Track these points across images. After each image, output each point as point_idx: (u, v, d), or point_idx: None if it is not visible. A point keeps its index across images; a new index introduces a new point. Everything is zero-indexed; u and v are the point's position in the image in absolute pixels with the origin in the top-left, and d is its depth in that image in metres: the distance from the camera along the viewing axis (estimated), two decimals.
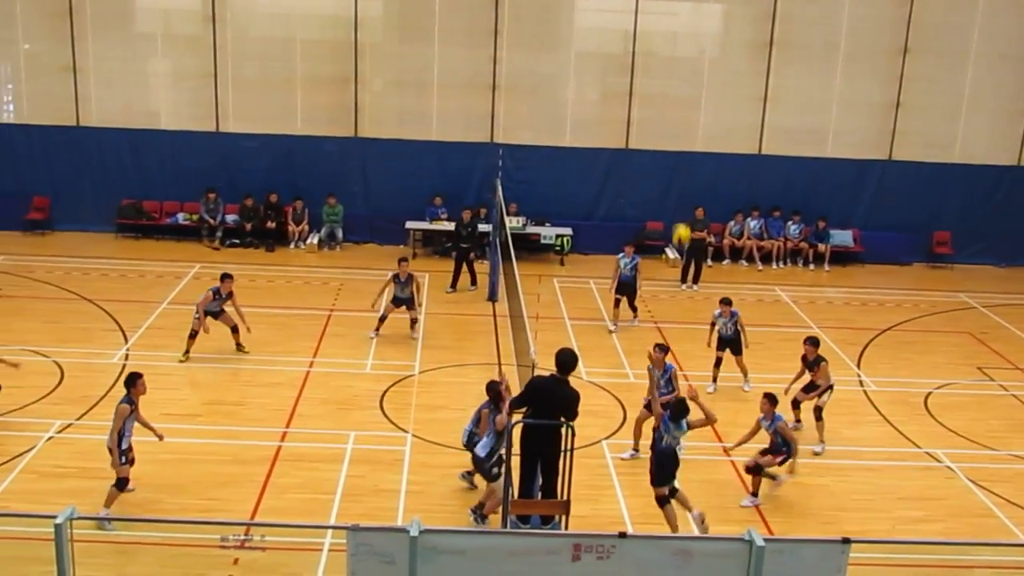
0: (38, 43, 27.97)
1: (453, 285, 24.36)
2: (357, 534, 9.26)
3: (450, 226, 26.85)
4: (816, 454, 16.55)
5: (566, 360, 12.86)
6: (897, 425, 17.72)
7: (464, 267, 24.54)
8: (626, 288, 22.10)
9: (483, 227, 25.78)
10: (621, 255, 22.00)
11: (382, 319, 20.82)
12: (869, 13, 28.21)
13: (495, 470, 13.73)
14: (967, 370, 20.92)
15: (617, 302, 22.17)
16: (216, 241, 27.59)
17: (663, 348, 16.47)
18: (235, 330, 19.55)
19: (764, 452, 15.06)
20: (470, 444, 14.23)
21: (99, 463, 14.10)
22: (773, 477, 15.01)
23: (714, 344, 19.19)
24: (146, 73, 28.84)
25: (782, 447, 14.94)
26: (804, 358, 17.25)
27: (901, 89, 28.39)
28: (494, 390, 14.02)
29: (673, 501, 13.68)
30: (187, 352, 19.24)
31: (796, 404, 17.29)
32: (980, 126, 29.08)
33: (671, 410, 13.90)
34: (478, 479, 14.50)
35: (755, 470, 14.94)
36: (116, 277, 24.32)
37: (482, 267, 25.47)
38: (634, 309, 22.43)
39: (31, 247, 26.70)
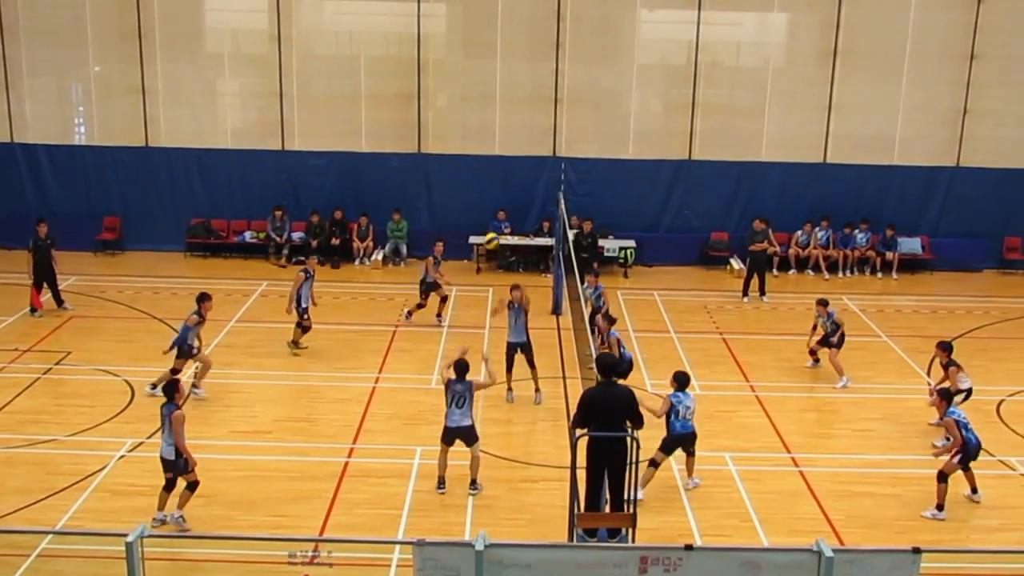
0: (108, 65, 28.52)
1: None
2: (423, 549, 9.32)
3: (514, 240, 27.31)
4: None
5: (609, 363, 13.00)
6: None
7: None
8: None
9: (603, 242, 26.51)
10: (585, 285, 20.77)
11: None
12: (935, 19, 27.86)
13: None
14: None
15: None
16: (283, 259, 27.87)
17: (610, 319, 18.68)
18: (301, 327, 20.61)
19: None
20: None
21: None
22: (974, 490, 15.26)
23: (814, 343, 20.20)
24: (214, 93, 29.31)
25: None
26: (940, 362, 17.63)
27: (968, 95, 27.99)
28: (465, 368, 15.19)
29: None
30: (295, 343, 20.73)
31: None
32: None
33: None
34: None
35: (941, 478, 14.96)
36: (186, 296, 24.54)
37: (547, 280, 25.53)
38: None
39: (103, 267, 27.22)
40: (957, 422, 14.94)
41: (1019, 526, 14.66)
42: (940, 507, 14.76)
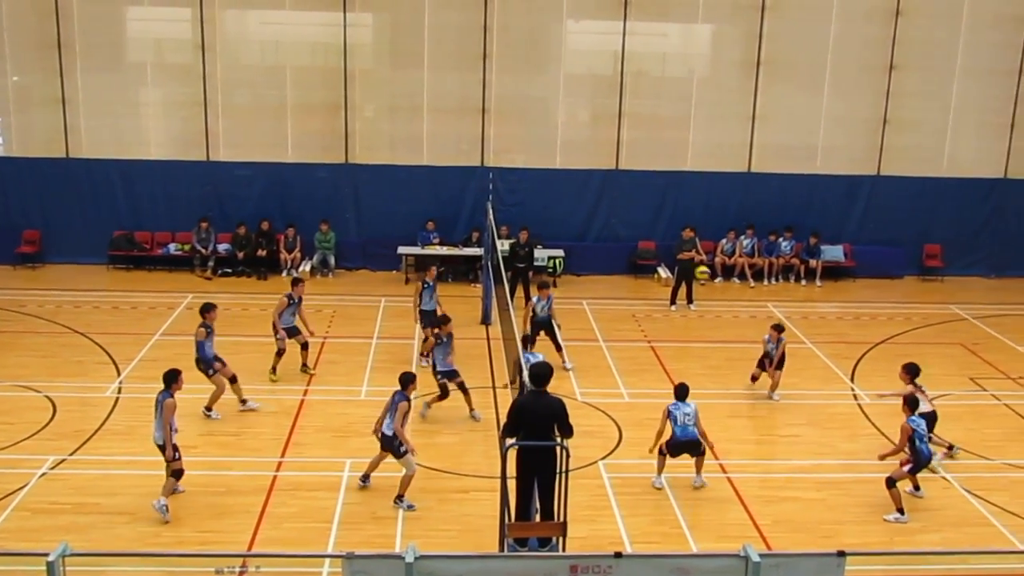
0: (27, 75, 27.99)
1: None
2: (353, 562, 9.25)
3: (443, 250, 27.21)
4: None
5: (540, 372, 12.98)
6: (892, 437, 17.61)
7: (519, 287, 24.40)
8: (545, 326, 20.94)
9: (538, 252, 26.52)
10: (536, 298, 21.11)
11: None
12: (855, 31, 28.34)
13: (403, 447, 14.94)
14: (960, 381, 20.98)
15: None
16: (208, 271, 27.58)
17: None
18: (304, 347, 20.23)
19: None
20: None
21: (95, 498, 14.07)
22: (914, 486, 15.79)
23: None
24: (136, 103, 28.81)
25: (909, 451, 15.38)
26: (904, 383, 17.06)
27: (888, 105, 28.53)
28: (405, 379, 15.22)
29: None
30: (274, 369, 19.97)
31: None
32: (967, 140, 29.29)
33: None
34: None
35: (890, 483, 15.23)
36: (108, 309, 24.30)
37: (476, 290, 25.51)
38: (559, 347, 20.96)
39: (22, 281, 26.67)
40: (914, 431, 15.20)
41: (939, 528, 14.93)
42: (901, 511, 15.02)
